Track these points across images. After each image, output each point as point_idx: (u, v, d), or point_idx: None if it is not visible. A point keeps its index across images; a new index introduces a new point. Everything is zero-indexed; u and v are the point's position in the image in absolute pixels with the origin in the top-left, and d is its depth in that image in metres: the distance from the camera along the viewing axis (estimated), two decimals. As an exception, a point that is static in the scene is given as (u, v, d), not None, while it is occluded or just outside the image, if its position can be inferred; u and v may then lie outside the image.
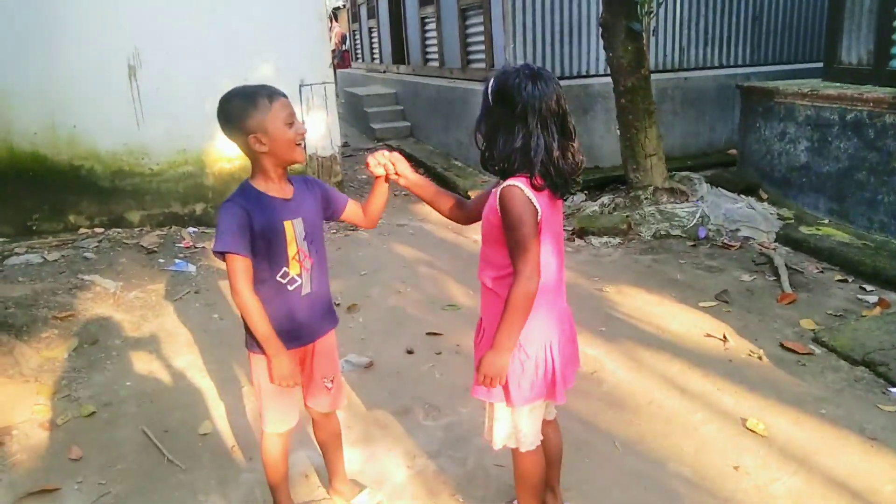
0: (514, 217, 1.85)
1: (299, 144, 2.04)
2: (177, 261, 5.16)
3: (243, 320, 2.14)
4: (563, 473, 2.44)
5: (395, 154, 2.15)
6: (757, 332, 3.78)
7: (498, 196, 1.89)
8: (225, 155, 6.04)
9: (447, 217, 2.26)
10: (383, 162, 2.12)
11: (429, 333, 3.87)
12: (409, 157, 9.13)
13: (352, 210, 2.31)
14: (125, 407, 3.26)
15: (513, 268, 1.88)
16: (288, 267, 2.09)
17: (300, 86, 6.10)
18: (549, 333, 2.01)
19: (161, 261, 5.18)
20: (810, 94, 5.61)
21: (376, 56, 13.32)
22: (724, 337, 3.71)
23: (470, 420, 3.03)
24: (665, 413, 3.05)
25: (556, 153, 1.87)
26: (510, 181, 1.87)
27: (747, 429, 2.90)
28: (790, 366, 3.43)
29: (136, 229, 5.91)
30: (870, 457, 2.70)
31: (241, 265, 2.00)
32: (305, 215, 2.13)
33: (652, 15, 5.70)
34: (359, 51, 15.59)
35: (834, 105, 5.39)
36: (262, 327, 2.05)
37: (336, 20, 21.10)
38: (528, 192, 1.86)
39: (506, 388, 2.01)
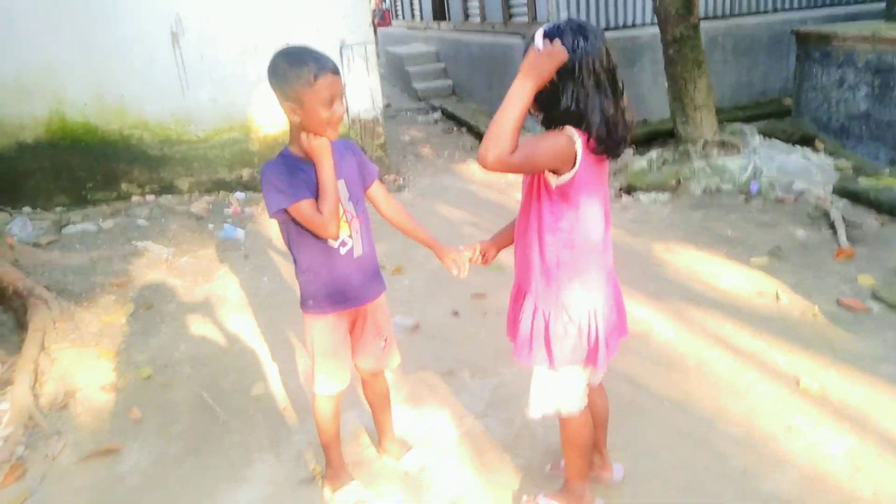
0: (547, 139, 1.79)
1: (331, 124, 1.99)
2: (225, 226, 5.25)
3: (299, 282, 2.18)
4: (611, 433, 2.44)
5: (479, 249, 2.24)
6: (811, 290, 3.67)
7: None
8: (269, 120, 6.08)
9: None
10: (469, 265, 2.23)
11: (474, 295, 3.87)
12: (452, 116, 9.05)
13: (378, 191, 2.29)
14: (180, 369, 3.37)
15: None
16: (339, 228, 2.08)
17: (341, 47, 6.06)
18: (594, 298, 1.97)
19: (210, 226, 5.28)
20: (872, 37, 5.33)
21: (416, 13, 13.14)
22: (777, 295, 3.62)
23: (515, 381, 3.04)
24: (715, 373, 3.00)
25: (610, 112, 1.80)
26: (569, 128, 1.79)
27: (801, 389, 2.84)
28: (847, 324, 3.33)
29: (186, 196, 6.03)
30: (930, 416, 2.62)
31: (310, 206, 1.97)
32: (346, 177, 2.13)
33: (701, -40, 5.46)
34: (399, 8, 15.39)
35: (897, 49, 5.12)
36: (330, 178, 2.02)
37: (376, -23, 20.84)
38: (580, 145, 1.78)
39: (549, 349, 1.99)
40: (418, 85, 10.80)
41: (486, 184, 6.20)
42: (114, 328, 3.77)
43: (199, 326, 3.79)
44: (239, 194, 6.02)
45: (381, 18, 17.61)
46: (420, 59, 11.41)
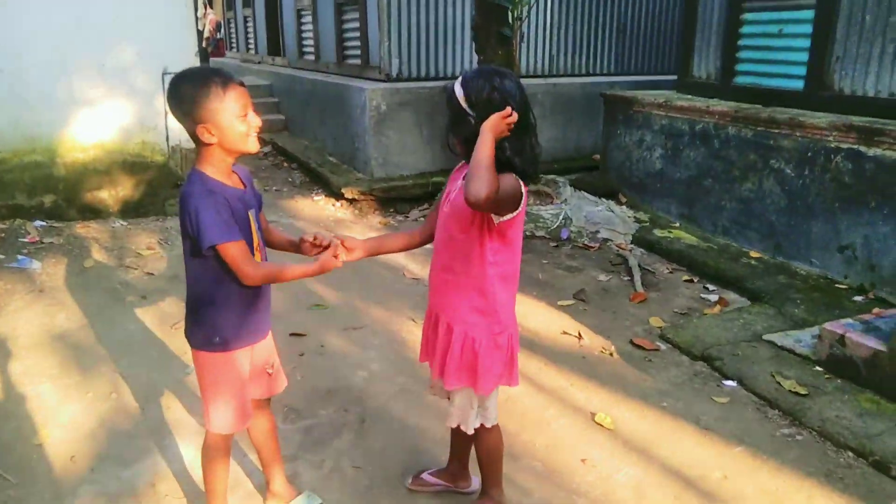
0: (511, 186, 1.91)
1: (251, 135, 1.97)
2: (20, 257, 4.78)
3: (202, 319, 2.04)
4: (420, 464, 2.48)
5: (343, 242, 2.09)
6: (610, 330, 3.98)
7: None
8: (79, 144, 5.65)
9: (405, 250, 2.36)
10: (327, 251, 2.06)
11: (292, 334, 3.80)
12: (283, 151, 8.93)
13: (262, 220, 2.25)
14: (-51, 418, 2.99)
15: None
16: (254, 258, 2.02)
17: (163, 73, 5.80)
18: (513, 323, 2.18)
19: (1, 257, 4.78)
20: (665, 104, 5.98)
21: (251, 46, 12.92)
22: (580, 334, 3.89)
23: (329, 423, 3.01)
24: (519, 409, 3.15)
25: (533, 147, 2.01)
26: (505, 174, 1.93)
27: (596, 423, 3.05)
28: (638, 362, 3.64)
29: (-26, 222, 5.43)
30: (703, 446, 2.91)
31: (243, 249, 1.91)
32: (256, 207, 2.09)
33: (521, 22, 5.87)
34: (234, 40, 15.05)
35: (685, 116, 5.77)
36: (293, 272, 1.98)
37: (211, 7, 20.26)
38: (522, 186, 1.97)
39: (479, 374, 2.11)
40: (250, 118, 10.56)
41: (314, 221, 6.15)
42: None
43: (-23, 368, 3.39)
44: (38, 223, 5.51)
45: (216, 48, 17.11)
46: (253, 91, 10.94)
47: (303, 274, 2.00)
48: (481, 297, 2.08)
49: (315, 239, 2.07)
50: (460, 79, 1.99)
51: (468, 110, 1.94)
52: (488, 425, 2.25)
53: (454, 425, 2.26)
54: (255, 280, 1.95)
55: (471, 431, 2.23)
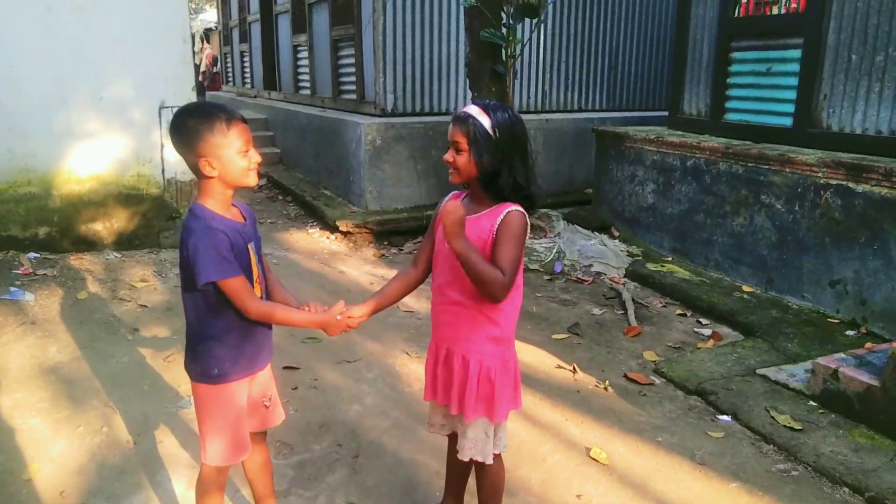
0: (519, 239, 2.01)
1: (252, 170, 2.02)
2: (12, 289, 4.76)
3: (200, 351, 2.04)
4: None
5: (345, 311, 2.11)
6: (604, 364, 3.98)
7: (502, 219, 2.02)
8: (74, 176, 5.67)
9: (408, 294, 2.33)
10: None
11: (286, 367, 3.79)
12: (277, 184, 8.97)
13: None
14: (-62, 452, 2.95)
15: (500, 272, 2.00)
16: (253, 289, 2.03)
17: (160, 108, 5.86)
18: (514, 347, 2.23)
19: (-7, 289, 4.76)
20: (656, 140, 6.06)
21: (248, 80, 13.06)
22: (574, 368, 3.89)
23: (323, 457, 2.98)
24: (515, 444, 3.13)
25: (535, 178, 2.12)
26: (515, 207, 2.04)
27: (591, 458, 3.04)
28: (633, 396, 3.63)
29: (-33, 253, 5.41)
30: (698, 482, 2.90)
31: (243, 283, 1.94)
32: (256, 239, 2.12)
33: (514, 59, 5.96)
34: (230, 74, 15.20)
35: (676, 152, 5.85)
36: (294, 317, 2.06)
37: (208, 41, 20.50)
38: (526, 218, 2.05)
39: (496, 404, 2.13)
40: (245, 151, 10.61)
41: (308, 254, 6.16)
42: None
43: (-33, 401, 3.36)
44: (32, 255, 5.50)
45: (212, 82, 17.28)
46: (248, 125, 11.25)
47: (302, 323, 2.09)
48: (495, 326, 2.12)
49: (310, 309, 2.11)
50: (477, 108, 2.04)
51: (496, 134, 2.02)
52: (498, 451, 2.26)
53: (467, 458, 2.24)
54: (255, 315, 1.98)
55: (490, 460, 2.23)
